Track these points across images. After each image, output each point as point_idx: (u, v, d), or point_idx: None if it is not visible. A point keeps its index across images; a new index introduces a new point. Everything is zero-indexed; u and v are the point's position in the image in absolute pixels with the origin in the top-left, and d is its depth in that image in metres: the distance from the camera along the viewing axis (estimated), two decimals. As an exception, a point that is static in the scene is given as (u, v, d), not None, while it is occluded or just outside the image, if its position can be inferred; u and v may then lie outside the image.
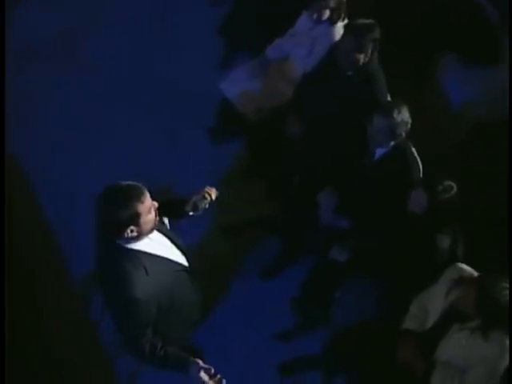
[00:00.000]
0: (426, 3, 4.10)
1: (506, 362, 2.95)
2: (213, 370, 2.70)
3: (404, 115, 3.28)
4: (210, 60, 4.90)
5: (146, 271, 2.67)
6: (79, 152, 4.61)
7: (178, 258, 2.92)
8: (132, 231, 2.61)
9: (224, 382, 2.70)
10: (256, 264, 4.12)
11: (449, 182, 3.13)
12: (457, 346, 3.05)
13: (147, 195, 2.61)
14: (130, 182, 2.61)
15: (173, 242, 2.91)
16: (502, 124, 3.98)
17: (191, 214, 3.12)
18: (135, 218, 2.57)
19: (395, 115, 3.25)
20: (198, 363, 2.72)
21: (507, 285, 2.82)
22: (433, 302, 3.20)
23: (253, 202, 4.30)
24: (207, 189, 3.14)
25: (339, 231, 3.62)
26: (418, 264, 3.25)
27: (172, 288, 2.82)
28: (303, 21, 4.02)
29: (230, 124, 4.50)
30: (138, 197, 2.57)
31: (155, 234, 2.78)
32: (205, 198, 3.10)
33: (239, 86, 4.24)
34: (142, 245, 2.70)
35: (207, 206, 3.13)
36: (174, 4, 5.19)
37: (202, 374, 2.70)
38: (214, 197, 3.14)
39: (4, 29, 4.81)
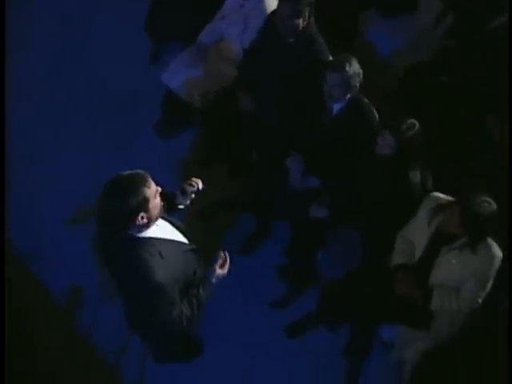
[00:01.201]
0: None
1: (495, 268, 3.21)
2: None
3: (355, 67, 3.45)
4: (141, 57, 4.91)
5: (161, 255, 2.73)
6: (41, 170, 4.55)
7: (182, 239, 2.98)
8: (143, 218, 2.67)
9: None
10: (235, 242, 4.20)
11: (411, 120, 3.34)
12: (448, 267, 3.29)
13: (151, 180, 2.67)
14: (131, 171, 2.67)
15: (173, 224, 2.97)
16: (431, 63, 4.27)
17: (181, 207, 3.16)
18: (144, 204, 2.63)
19: (347, 68, 3.42)
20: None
21: (486, 198, 3.06)
22: (416, 234, 3.42)
23: (217, 185, 4.33)
24: (193, 179, 3.19)
25: (312, 191, 3.75)
26: (395, 203, 3.45)
27: (185, 269, 2.89)
28: (231, 0, 4.12)
29: (178, 115, 4.55)
30: (143, 182, 2.64)
31: (158, 220, 2.83)
32: (192, 186, 3.15)
33: (181, 74, 4.29)
34: (152, 231, 2.77)
35: (193, 195, 3.17)
36: (96, 4, 5.16)
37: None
38: (200, 186, 3.18)
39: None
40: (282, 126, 3.88)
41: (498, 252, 3.19)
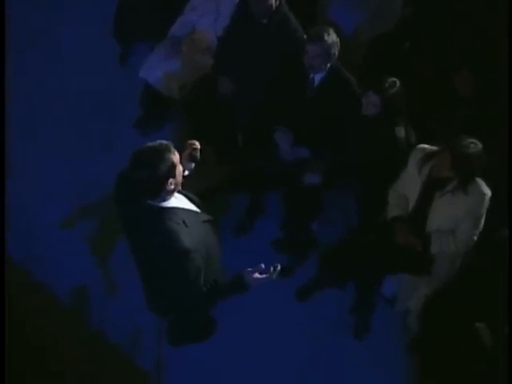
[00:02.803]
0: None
1: (486, 206, 3.45)
2: (263, 265, 3.02)
3: (333, 36, 3.66)
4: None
5: (186, 224, 2.87)
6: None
7: (198, 210, 3.10)
8: (171, 184, 2.81)
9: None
10: (229, 224, 4.33)
11: (392, 78, 3.56)
12: (443, 211, 3.51)
13: (173, 148, 2.81)
14: (155, 142, 2.81)
15: (186, 196, 3.09)
16: (393, 33, 4.52)
17: (186, 173, 3.20)
18: (172, 170, 2.79)
19: (326, 38, 3.63)
20: (249, 271, 3.01)
21: (473, 140, 3.31)
22: (408, 186, 3.64)
23: (206, 171, 4.48)
24: (191, 141, 3.25)
25: (303, 161, 3.93)
26: (384, 160, 3.67)
27: (205, 238, 3.02)
28: (201, -11, 4.28)
29: (158, 109, 4.65)
30: (169, 149, 2.79)
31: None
32: (195, 150, 3.21)
33: (158, 69, 4.40)
34: (173, 202, 2.90)
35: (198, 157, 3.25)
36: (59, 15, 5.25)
37: (257, 275, 3.01)
38: (198, 145, 3.25)
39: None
40: (265, 103, 4.05)
41: (487, 190, 3.44)
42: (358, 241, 3.78)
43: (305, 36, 3.92)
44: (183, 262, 2.83)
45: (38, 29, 5.19)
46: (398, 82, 3.56)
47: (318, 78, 3.82)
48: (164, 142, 2.82)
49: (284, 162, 3.99)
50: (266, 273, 3.02)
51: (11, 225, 4.27)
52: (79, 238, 4.40)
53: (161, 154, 2.76)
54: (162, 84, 4.43)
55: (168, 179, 2.78)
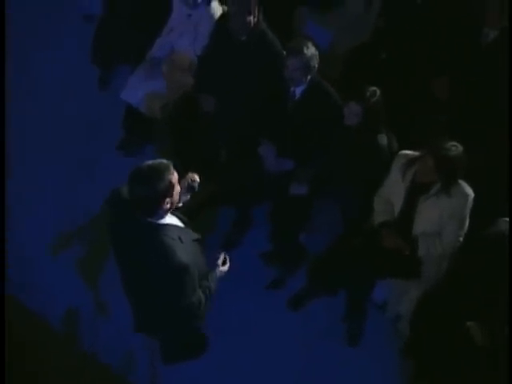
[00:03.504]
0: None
1: (470, 207, 3.53)
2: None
3: (312, 49, 3.74)
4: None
5: (181, 240, 2.92)
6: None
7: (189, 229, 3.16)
8: (167, 203, 2.85)
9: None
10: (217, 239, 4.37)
11: (372, 88, 3.65)
12: (428, 214, 3.59)
13: (172, 167, 2.86)
14: (155, 160, 2.86)
15: (176, 216, 3.13)
16: (368, 44, 4.64)
17: (180, 204, 3.22)
18: (170, 189, 2.83)
19: (305, 51, 3.71)
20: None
21: (454, 142, 3.40)
22: (393, 192, 3.71)
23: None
24: (191, 174, 3.31)
25: (288, 173, 3.99)
26: (368, 168, 3.74)
27: (198, 256, 3.08)
28: (178, 11, 4.35)
29: (141, 130, 4.69)
30: (168, 169, 2.83)
31: None
32: (194, 181, 3.28)
33: (139, 90, 4.46)
34: (168, 219, 2.95)
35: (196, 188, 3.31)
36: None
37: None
38: (198, 179, 3.30)
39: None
40: (247, 118, 4.11)
41: (470, 191, 3.53)
42: (346, 248, 3.83)
43: (284, 50, 4.01)
44: (181, 277, 2.87)
45: (16, 54, 5.20)
46: (378, 91, 3.65)
47: (298, 90, 3.89)
48: (164, 161, 2.86)
49: (269, 174, 4.04)
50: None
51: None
52: (68, 262, 4.40)
53: (160, 172, 2.79)
54: (144, 105, 4.48)
55: (165, 198, 2.82)
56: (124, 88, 4.52)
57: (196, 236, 3.14)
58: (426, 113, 4.24)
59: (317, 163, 3.91)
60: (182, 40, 4.39)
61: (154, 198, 2.79)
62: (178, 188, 2.89)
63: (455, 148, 3.38)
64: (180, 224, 3.08)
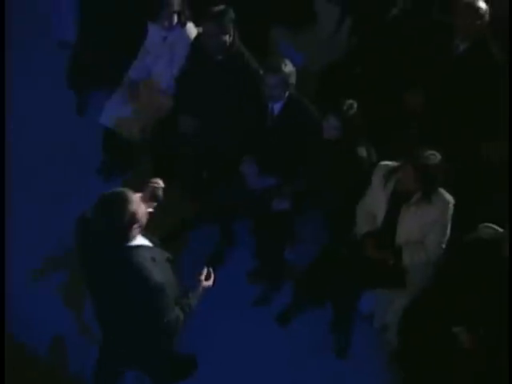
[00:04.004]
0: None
1: (451, 214, 3.59)
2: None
3: (289, 66, 3.81)
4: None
5: (154, 260, 2.92)
6: None
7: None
8: (135, 228, 2.85)
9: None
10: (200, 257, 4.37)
11: (349, 101, 3.71)
12: (410, 222, 3.64)
13: (131, 193, 2.85)
14: (113, 191, 2.85)
15: (146, 237, 3.09)
16: (343, 60, 4.73)
17: (150, 210, 3.19)
18: (134, 217, 2.81)
19: (284, 68, 3.77)
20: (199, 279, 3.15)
21: (432, 151, 3.46)
22: (374, 202, 3.76)
23: (174, 210, 4.56)
24: (152, 180, 3.27)
25: (271, 189, 4.02)
26: (349, 180, 3.79)
27: (171, 274, 3.06)
28: (154, 34, 4.38)
29: (120, 154, 4.69)
30: (127, 199, 2.81)
31: None
32: (157, 188, 3.22)
33: (118, 113, 4.45)
34: (139, 240, 2.94)
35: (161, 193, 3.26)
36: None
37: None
38: (162, 184, 3.26)
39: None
40: (227, 136, 4.14)
41: (450, 198, 3.59)
42: (331, 260, 3.86)
43: (260, 69, 4.07)
44: (158, 296, 2.86)
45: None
46: (355, 104, 3.71)
47: (277, 106, 3.94)
48: (121, 191, 2.85)
49: (252, 191, 4.06)
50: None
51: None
52: (51, 290, 4.35)
53: (120, 205, 2.78)
54: (123, 128, 4.47)
55: (131, 226, 2.82)
56: (102, 112, 4.52)
57: (167, 255, 3.12)
58: (401, 124, 4.33)
59: (298, 178, 3.94)
60: (159, 62, 4.41)
61: (120, 229, 2.80)
62: (142, 210, 2.86)
63: (434, 156, 3.45)
64: (150, 244, 3.06)
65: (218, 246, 4.39)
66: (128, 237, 2.85)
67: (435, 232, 3.62)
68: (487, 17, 3.99)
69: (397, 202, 3.66)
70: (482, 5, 3.98)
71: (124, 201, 2.80)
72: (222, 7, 3.98)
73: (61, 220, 4.55)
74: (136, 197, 2.87)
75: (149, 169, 4.66)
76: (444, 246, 3.65)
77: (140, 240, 2.96)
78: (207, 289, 3.25)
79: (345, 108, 3.68)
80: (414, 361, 3.81)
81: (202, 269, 3.24)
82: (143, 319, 2.95)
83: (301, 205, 3.97)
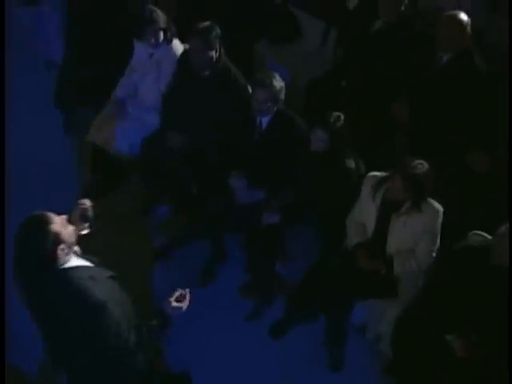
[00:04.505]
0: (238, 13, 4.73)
1: (440, 222, 3.62)
2: (179, 291, 3.04)
3: (280, 81, 3.84)
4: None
5: (93, 279, 2.83)
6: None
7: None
8: (63, 249, 2.78)
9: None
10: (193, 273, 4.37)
11: (336, 113, 3.74)
12: (401, 231, 3.65)
13: (51, 215, 2.79)
14: (29, 216, 2.79)
15: (84, 258, 3.04)
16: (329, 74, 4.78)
17: (85, 232, 3.17)
18: (58, 238, 2.75)
19: (274, 83, 3.80)
20: (167, 301, 3.00)
21: (421, 161, 3.49)
22: (364, 213, 3.78)
23: (164, 225, 4.57)
24: (79, 201, 3.22)
25: (259, 203, 4.03)
26: (338, 192, 3.81)
27: (114, 293, 2.93)
28: (140, 51, 4.40)
29: (109, 171, 4.69)
30: (45, 221, 2.75)
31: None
32: (85, 209, 3.18)
33: (106, 131, 4.47)
34: (74, 261, 2.88)
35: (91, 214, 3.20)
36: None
37: (175, 304, 3.01)
38: (88, 203, 3.21)
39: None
40: (215, 151, 4.16)
41: (439, 206, 3.61)
42: (323, 272, 3.86)
43: (247, 84, 4.10)
44: (102, 314, 2.77)
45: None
46: (342, 116, 3.74)
47: (265, 120, 3.97)
48: (39, 213, 2.79)
49: (241, 205, 4.07)
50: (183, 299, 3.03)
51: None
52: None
53: (40, 227, 2.73)
54: (110, 145, 4.48)
55: (57, 248, 2.76)
56: (90, 130, 4.52)
57: (110, 273, 3.01)
58: (388, 134, 4.37)
59: (287, 191, 3.95)
60: (146, 79, 4.44)
61: (44, 253, 2.74)
62: (67, 230, 2.81)
63: (421, 166, 3.48)
64: (89, 264, 2.98)
65: (210, 260, 4.37)
66: (56, 259, 2.78)
67: (425, 241, 3.64)
68: (469, 29, 4.06)
69: (386, 212, 3.67)
70: (464, 17, 4.06)
71: (44, 223, 2.74)
72: (207, 23, 4.01)
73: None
74: (58, 218, 2.80)
75: (138, 185, 4.69)
76: (434, 254, 3.67)
77: (75, 261, 2.88)
78: (180, 311, 3.05)
79: (332, 120, 3.71)
80: (408, 370, 3.80)
81: (177, 290, 3.07)
82: (92, 340, 2.82)
83: (291, 218, 3.97)
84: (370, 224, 3.76)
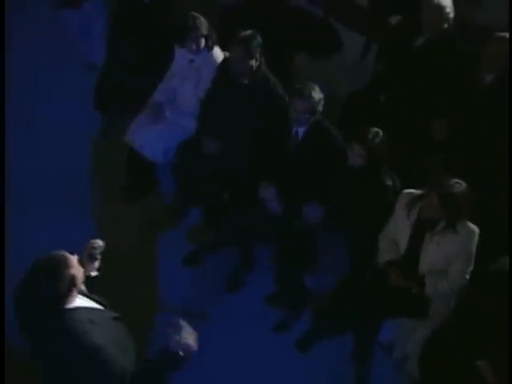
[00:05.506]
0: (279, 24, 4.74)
1: (475, 244, 3.55)
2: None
3: (319, 93, 3.83)
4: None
5: (92, 322, 2.77)
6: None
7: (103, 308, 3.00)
8: (73, 293, 2.75)
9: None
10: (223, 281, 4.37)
11: (374, 129, 3.71)
12: (434, 251, 3.59)
13: (69, 256, 2.74)
14: (50, 255, 2.72)
15: (89, 297, 2.98)
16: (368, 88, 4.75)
17: (94, 274, 3.08)
18: (73, 282, 2.72)
19: (314, 95, 3.78)
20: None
21: (458, 179, 3.44)
22: (398, 230, 3.72)
23: (194, 231, 4.57)
24: (91, 241, 3.11)
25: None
26: (373, 208, 3.77)
27: (118, 332, 2.88)
28: (181, 57, 4.43)
29: (144, 175, 4.72)
30: (65, 264, 2.70)
31: None
32: (94, 248, 3.07)
33: (143, 134, 4.49)
34: (77, 302, 2.81)
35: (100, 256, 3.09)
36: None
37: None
38: (101, 244, 3.09)
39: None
40: (250, 160, 4.15)
41: (475, 228, 3.54)
42: (352, 288, 3.82)
43: (285, 95, 4.09)
44: (101, 359, 2.69)
45: (19, 105, 5.27)
46: (380, 132, 3.71)
47: (301, 131, 3.95)
48: (59, 254, 2.73)
49: (274, 216, 4.05)
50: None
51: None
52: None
53: (58, 271, 2.67)
54: (147, 149, 4.51)
55: (70, 292, 2.72)
56: (127, 133, 4.56)
57: (114, 315, 2.94)
58: (426, 152, 4.31)
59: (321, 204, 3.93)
60: (185, 85, 4.46)
61: (58, 296, 2.69)
62: (80, 273, 2.75)
63: (459, 185, 3.42)
64: (92, 305, 2.91)
65: (237, 267, 4.36)
66: (65, 302, 2.73)
67: (459, 262, 3.57)
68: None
69: (420, 231, 3.62)
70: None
71: (64, 266, 2.69)
72: (249, 32, 4.02)
73: (77, 236, 4.58)
74: (75, 261, 2.75)
75: (171, 190, 4.71)
76: (467, 276, 3.60)
77: (77, 302, 2.81)
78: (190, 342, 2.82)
79: (370, 136, 3.68)
80: (434, 393, 3.74)
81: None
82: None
83: (323, 231, 3.94)
84: (403, 241, 3.70)
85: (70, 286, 2.70)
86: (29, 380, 3.39)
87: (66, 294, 2.71)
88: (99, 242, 3.08)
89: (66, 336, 2.71)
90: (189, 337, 2.78)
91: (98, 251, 3.06)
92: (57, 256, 2.72)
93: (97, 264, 3.06)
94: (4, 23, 5.18)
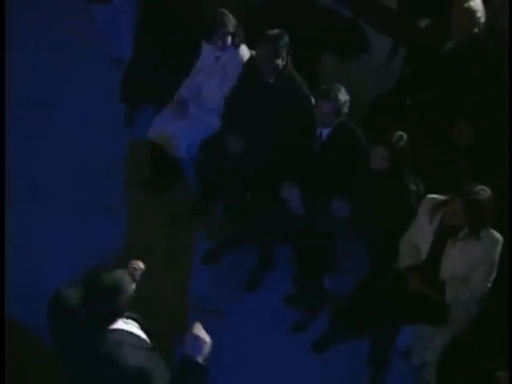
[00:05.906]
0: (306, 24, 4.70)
1: (499, 252, 3.50)
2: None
3: (345, 94, 3.80)
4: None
5: (133, 345, 2.74)
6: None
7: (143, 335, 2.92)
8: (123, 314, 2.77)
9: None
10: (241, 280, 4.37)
11: (398, 132, 3.67)
12: (456, 258, 3.54)
13: (126, 278, 2.74)
14: (113, 272, 2.71)
15: (136, 320, 2.93)
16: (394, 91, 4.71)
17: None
18: (125, 304, 2.73)
19: (340, 96, 3.76)
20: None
21: (482, 186, 3.39)
22: (420, 235, 3.68)
23: (216, 229, 4.59)
24: (133, 262, 3.14)
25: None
26: (395, 211, 3.73)
27: (152, 361, 2.78)
28: (207, 53, 4.43)
29: (166, 170, 4.73)
30: (126, 280, 2.73)
31: None
32: (135, 269, 3.08)
33: (167, 130, 4.49)
34: (120, 324, 2.78)
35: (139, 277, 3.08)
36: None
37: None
38: (142, 266, 3.12)
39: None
40: (274, 159, 4.14)
41: (499, 236, 3.49)
42: (371, 291, 3.79)
43: (311, 95, 4.07)
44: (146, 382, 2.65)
45: (41, 95, 5.32)
46: (404, 136, 3.67)
47: (325, 132, 3.93)
48: (122, 273, 2.74)
49: (295, 216, 4.04)
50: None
51: (16, 290, 4.14)
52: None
53: (121, 290, 2.68)
54: (170, 145, 4.51)
55: (123, 311, 2.74)
56: (150, 127, 4.57)
57: (150, 345, 2.85)
58: (451, 157, 4.26)
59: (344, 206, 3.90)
60: (210, 82, 4.45)
61: (115, 313, 2.70)
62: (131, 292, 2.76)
63: (484, 192, 3.38)
64: (134, 329, 2.85)
65: (257, 266, 4.36)
66: (116, 322, 2.73)
67: (481, 270, 3.52)
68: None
69: (443, 237, 3.58)
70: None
71: (127, 286, 2.70)
72: (277, 31, 4.00)
73: (95, 234, 4.62)
74: (128, 281, 2.74)
75: (194, 186, 4.71)
76: (489, 284, 3.55)
77: (119, 323, 2.78)
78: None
79: (394, 139, 3.64)
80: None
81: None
82: None
83: (344, 233, 3.92)
84: (425, 247, 3.66)
85: (125, 305, 2.71)
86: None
87: (120, 314, 2.72)
88: (140, 264, 3.10)
89: (107, 356, 2.67)
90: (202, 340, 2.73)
91: (138, 272, 3.07)
92: (120, 274, 2.72)
93: (134, 285, 2.93)
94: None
